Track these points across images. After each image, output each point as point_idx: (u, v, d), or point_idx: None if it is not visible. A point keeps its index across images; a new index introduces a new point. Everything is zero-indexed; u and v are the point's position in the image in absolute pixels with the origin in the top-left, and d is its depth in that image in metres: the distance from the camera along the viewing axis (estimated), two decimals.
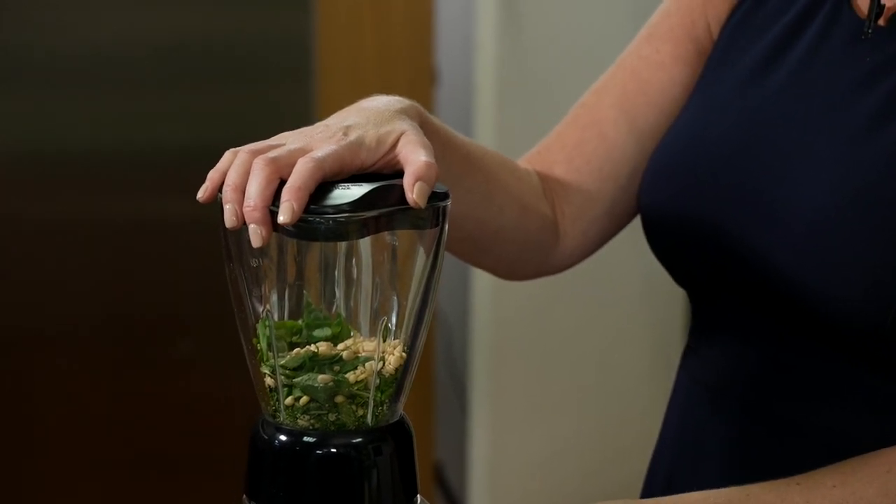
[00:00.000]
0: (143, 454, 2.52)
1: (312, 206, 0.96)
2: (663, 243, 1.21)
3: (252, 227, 0.95)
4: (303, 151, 0.98)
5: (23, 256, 2.44)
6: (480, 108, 2.81)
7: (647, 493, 1.27)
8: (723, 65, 1.22)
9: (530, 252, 1.27)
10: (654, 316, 2.89)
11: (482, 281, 2.81)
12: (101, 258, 2.46)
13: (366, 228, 0.97)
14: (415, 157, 0.98)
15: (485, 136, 2.77)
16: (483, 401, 2.86)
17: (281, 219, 0.94)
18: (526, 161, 1.29)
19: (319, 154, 0.97)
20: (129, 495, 2.53)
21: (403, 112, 1.05)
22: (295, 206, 0.94)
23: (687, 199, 1.17)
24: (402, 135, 1.01)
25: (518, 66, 2.76)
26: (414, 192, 0.96)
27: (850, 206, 1.08)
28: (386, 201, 0.98)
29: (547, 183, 1.27)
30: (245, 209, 0.96)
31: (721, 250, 1.15)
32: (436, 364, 2.92)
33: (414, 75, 2.76)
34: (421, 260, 1.02)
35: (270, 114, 2.40)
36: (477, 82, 2.80)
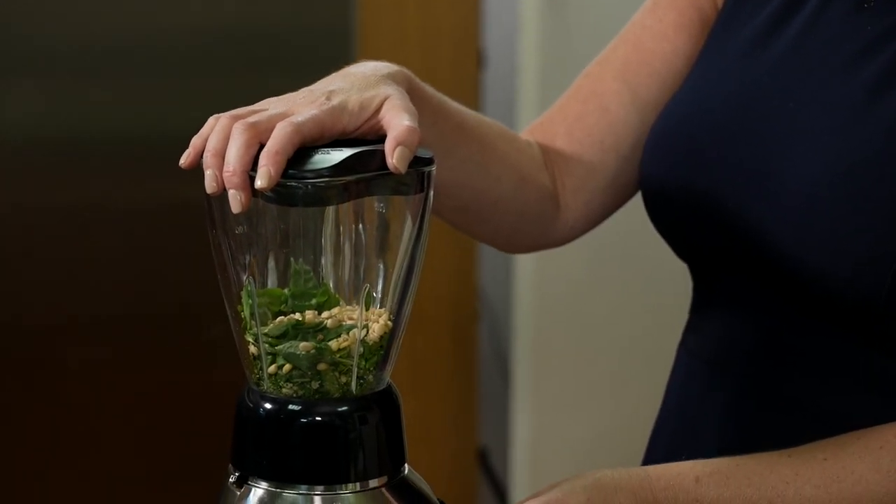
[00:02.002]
0: (173, 440, 2.52)
1: (292, 171, 0.95)
2: (663, 215, 1.20)
3: (231, 193, 0.95)
4: (283, 116, 0.97)
5: (51, 244, 2.44)
6: (526, 90, 2.79)
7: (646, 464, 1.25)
8: (724, 35, 1.20)
9: (529, 223, 1.25)
10: None
11: (525, 266, 2.79)
12: (131, 245, 2.46)
13: (346, 193, 0.96)
14: (397, 122, 0.97)
15: (529, 118, 2.75)
16: (527, 386, 2.84)
17: (258, 184, 0.93)
18: (528, 133, 1.28)
19: (299, 118, 0.96)
20: (160, 479, 2.54)
21: (390, 77, 1.03)
22: (272, 171, 0.93)
23: (685, 170, 1.16)
24: (385, 99, 1.00)
25: (563, 48, 2.74)
26: (394, 157, 0.95)
27: (845, 180, 1.06)
28: (367, 166, 0.97)
29: (548, 155, 1.25)
30: (224, 174, 0.95)
31: (718, 223, 1.13)
32: (480, 350, 2.90)
33: (459, 59, 2.74)
34: (407, 227, 1.01)
35: None
36: (522, 65, 2.78)
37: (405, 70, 1.07)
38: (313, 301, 1.02)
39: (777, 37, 1.16)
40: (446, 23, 2.73)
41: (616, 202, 1.28)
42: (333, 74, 1.04)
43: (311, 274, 1.02)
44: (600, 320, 2.84)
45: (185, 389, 2.51)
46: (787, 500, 1.04)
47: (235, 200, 0.94)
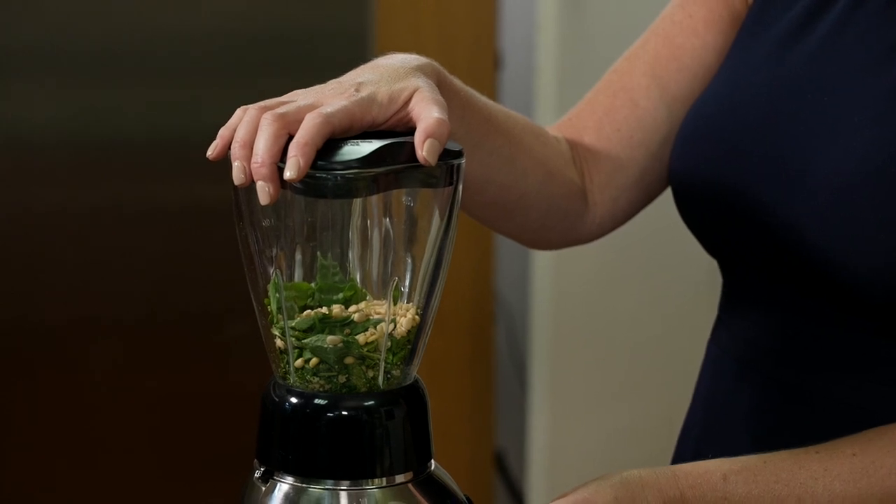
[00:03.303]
0: (189, 440, 2.51)
1: (321, 163, 0.94)
2: (693, 211, 1.19)
3: (259, 185, 0.94)
4: (312, 107, 0.96)
5: (67, 246, 2.44)
6: (543, 92, 2.78)
7: (676, 462, 1.25)
8: (756, 30, 1.20)
9: (556, 219, 1.24)
10: (717, 301, 2.85)
11: (542, 268, 2.78)
12: (147, 246, 2.46)
13: (375, 185, 0.96)
14: (426, 114, 0.96)
15: (547, 120, 2.75)
16: (543, 388, 2.83)
17: (287, 175, 0.93)
18: (556, 128, 1.27)
19: (328, 109, 0.95)
20: (175, 479, 2.53)
21: (419, 69, 1.02)
22: (301, 162, 0.92)
23: (716, 166, 1.15)
24: (415, 91, 0.99)
25: (581, 49, 2.74)
26: (424, 149, 0.94)
27: (877, 174, 1.05)
28: (396, 158, 0.96)
29: (576, 150, 1.25)
30: (252, 166, 0.94)
31: (750, 218, 1.13)
32: (497, 352, 2.89)
33: (476, 60, 2.74)
34: (435, 221, 1.00)
35: None
36: (539, 66, 2.78)
37: (434, 63, 1.06)
38: (340, 295, 1.01)
39: (809, 32, 1.15)
40: (463, 24, 2.73)
41: (644, 199, 1.27)
42: (362, 66, 1.04)
43: (338, 268, 1.02)
44: (617, 322, 2.83)
45: (201, 390, 2.50)
46: (816, 495, 1.04)
47: (264, 192, 0.94)
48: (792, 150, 1.11)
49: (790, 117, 1.12)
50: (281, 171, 0.94)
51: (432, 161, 0.95)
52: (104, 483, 2.50)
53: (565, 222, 1.25)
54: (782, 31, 1.17)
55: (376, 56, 1.07)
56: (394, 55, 1.05)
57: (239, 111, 0.99)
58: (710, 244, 1.20)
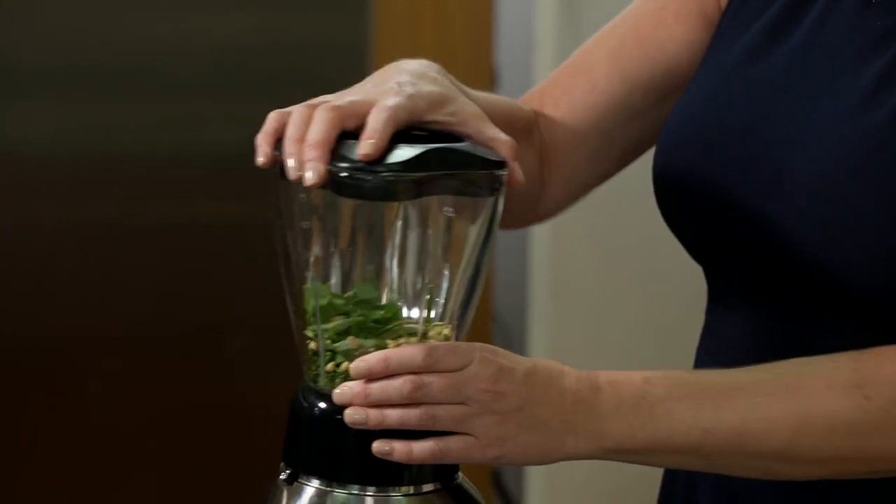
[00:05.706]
0: (195, 454, 2.50)
1: (364, 165, 0.95)
2: (676, 214, 1.19)
3: (311, 163, 0.94)
4: (365, 103, 0.98)
5: (73, 259, 2.43)
6: None
7: (668, 480, 1.26)
8: (732, 34, 1.20)
9: (515, 203, 1.26)
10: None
11: (540, 288, 2.79)
12: (150, 262, 2.45)
13: (416, 189, 0.96)
14: (493, 133, 1.01)
15: None
16: None
17: (362, 151, 0.94)
18: (525, 99, 1.29)
19: (391, 102, 0.97)
20: (180, 495, 2.52)
21: (440, 73, 1.06)
22: (378, 143, 0.95)
23: (698, 170, 1.16)
24: (455, 100, 1.02)
25: None
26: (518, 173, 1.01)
27: (853, 171, 1.06)
28: (439, 164, 0.96)
29: (537, 124, 1.27)
30: (305, 147, 0.95)
31: (733, 221, 1.13)
32: None
33: (473, 75, 2.74)
34: (474, 231, 1.00)
35: None
36: (536, 83, 2.78)
37: (437, 64, 1.09)
38: (377, 314, 1.00)
39: (786, 35, 1.16)
40: (461, 41, 2.73)
41: (595, 180, 1.29)
42: (382, 70, 1.06)
43: (377, 286, 1.01)
44: (615, 340, 2.83)
45: (203, 403, 2.49)
46: (736, 404, 1.03)
47: (316, 171, 0.94)
48: (771, 152, 1.12)
49: (768, 119, 1.13)
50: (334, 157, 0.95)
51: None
52: (107, 497, 2.49)
53: (523, 206, 1.26)
54: (760, 32, 1.18)
55: (375, 70, 1.09)
56: (405, 61, 1.07)
57: (273, 114, 1.01)
58: (694, 248, 1.20)
